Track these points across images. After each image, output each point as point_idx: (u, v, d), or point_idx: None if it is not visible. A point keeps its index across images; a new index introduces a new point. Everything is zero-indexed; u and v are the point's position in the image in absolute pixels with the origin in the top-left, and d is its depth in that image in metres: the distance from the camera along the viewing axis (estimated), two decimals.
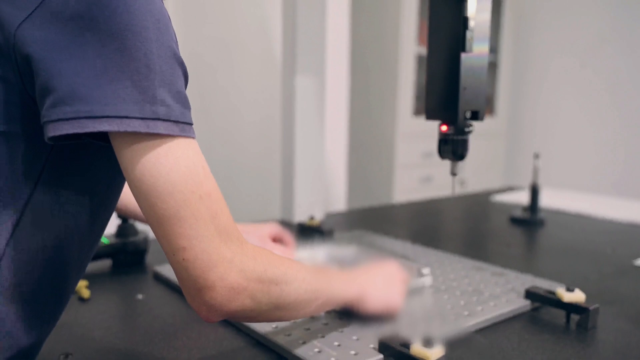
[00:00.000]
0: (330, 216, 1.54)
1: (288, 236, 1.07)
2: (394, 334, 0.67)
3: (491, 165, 3.27)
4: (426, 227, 1.56)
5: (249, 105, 1.89)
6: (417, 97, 2.78)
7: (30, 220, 0.53)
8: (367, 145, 2.84)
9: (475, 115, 0.86)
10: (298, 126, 1.39)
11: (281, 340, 0.69)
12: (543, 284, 0.92)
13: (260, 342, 0.72)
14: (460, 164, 0.90)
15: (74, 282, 0.60)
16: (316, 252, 1.06)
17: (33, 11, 0.48)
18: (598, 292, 0.92)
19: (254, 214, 1.85)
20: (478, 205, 1.75)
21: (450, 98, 0.83)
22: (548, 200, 1.69)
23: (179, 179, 0.50)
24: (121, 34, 0.47)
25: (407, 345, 0.64)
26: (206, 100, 1.81)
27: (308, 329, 0.72)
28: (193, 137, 0.52)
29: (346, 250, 1.07)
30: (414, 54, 2.70)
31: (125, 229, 1.02)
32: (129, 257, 1.01)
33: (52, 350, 0.67)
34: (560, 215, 1.58)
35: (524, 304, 0.84)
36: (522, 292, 0.87)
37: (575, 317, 0.79)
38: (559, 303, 0.80)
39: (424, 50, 2.74)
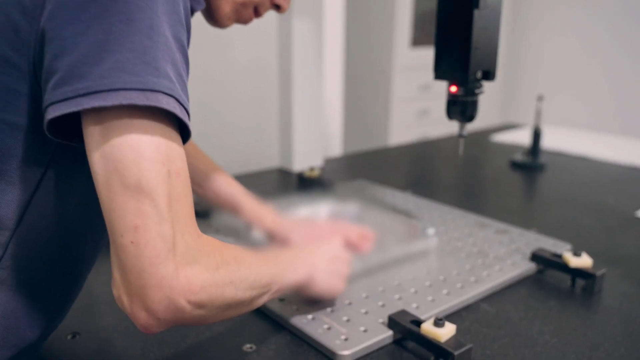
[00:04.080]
0: (328, 162, 1.52)
1: (361, 235, 0.88)
2: (404, 310, 0.66)
3: (489, 98, 3.21)
4: (425, 172, 1.55)
5: (244, 50, 1.81)
6: (415, 27, 2.68)
7: (42, 201, 0.51)
8: (363, 79, 2.77)
9: (487, 75, 0.82)
10: (295, 73, 1.34)
11: (288, 314, 0.69)
12: (547, 243, 0.92)
13: (266, 315, 0.71)
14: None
15: (88, 266, 0.59)
16: (318, 209, 1.05)
17: None
18: (602, 250, 0.92)
19: (251, 162, 1.82)
20: (478, 147, 1.72)
21: (461, 58, 0.78)
22: (549, 140, 1.67)
23: (149, 147, 0.43)
24: (126, 5, 0.43)
25: (417, 322, 0.64)
26: (200, 45, 1.72)
27: None
28: (187, 125, 0.46)
29: (348, 207, 1.06)
30: None
31: None
32: None
33: (58, 329, 0.67)
34: (562, 157, 1.57)
35: (529, 267, 0.84)
36: (527, 253, 0.87)
37: (581, 281, 0.80)
38: (565, 268, 0.80)
39: None
